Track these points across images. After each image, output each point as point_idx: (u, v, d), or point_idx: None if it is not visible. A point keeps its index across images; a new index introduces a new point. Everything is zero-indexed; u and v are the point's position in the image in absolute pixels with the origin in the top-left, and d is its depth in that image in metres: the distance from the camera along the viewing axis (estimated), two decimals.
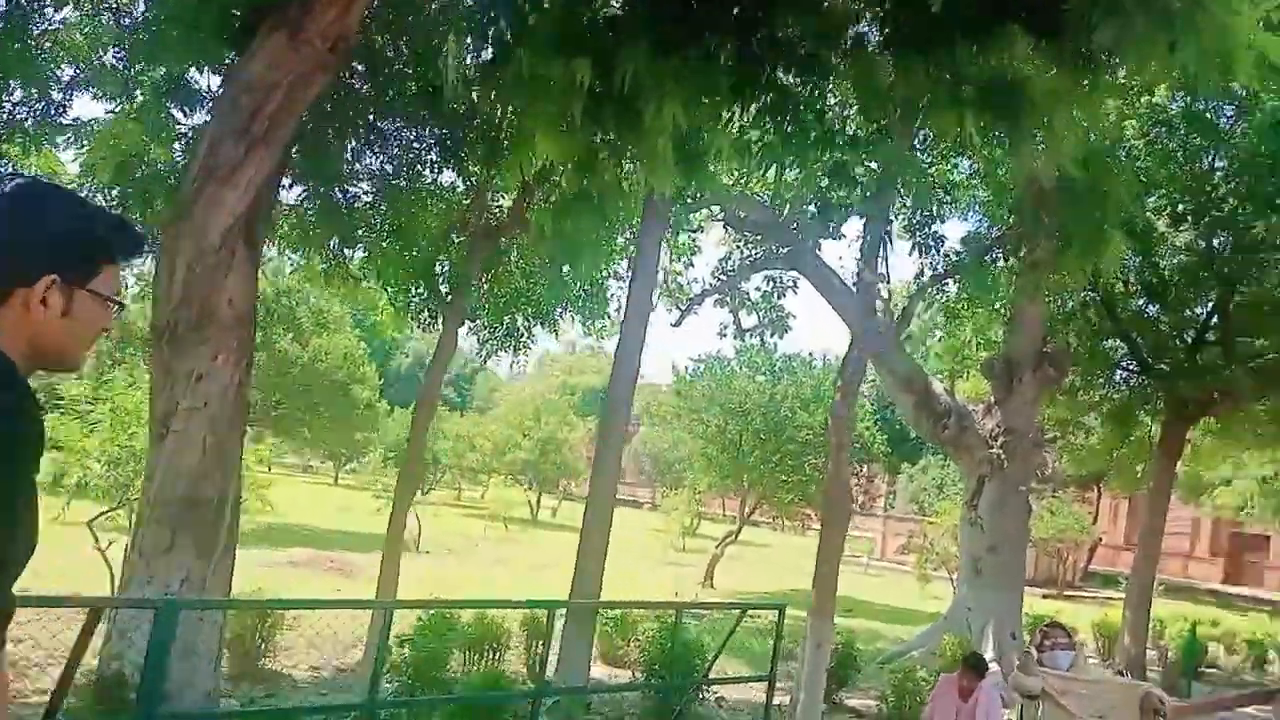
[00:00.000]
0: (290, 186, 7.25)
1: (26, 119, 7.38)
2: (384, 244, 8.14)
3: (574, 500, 31.36)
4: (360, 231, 8.03)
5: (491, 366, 65.48)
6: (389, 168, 7.72)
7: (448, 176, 8.23)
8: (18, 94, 7.28)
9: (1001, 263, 10.64)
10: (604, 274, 9.61)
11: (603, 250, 8.78)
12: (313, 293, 19.66)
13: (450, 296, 8.46)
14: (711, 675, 7.44)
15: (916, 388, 13.54)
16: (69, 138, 7.65)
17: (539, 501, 34.89)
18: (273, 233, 7.78)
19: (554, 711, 6.35)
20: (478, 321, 9.56)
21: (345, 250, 8.32)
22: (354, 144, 7.45)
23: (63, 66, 7.35)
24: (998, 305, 12.24)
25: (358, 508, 27.40)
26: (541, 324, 9.90)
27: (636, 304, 7.27)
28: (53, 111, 7.42)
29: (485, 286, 8.96)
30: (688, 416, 21.88)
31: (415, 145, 7.63)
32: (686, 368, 22.35)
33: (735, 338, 13.93)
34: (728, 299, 13.34)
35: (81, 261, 1.31)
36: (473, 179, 8.19)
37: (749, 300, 13.32)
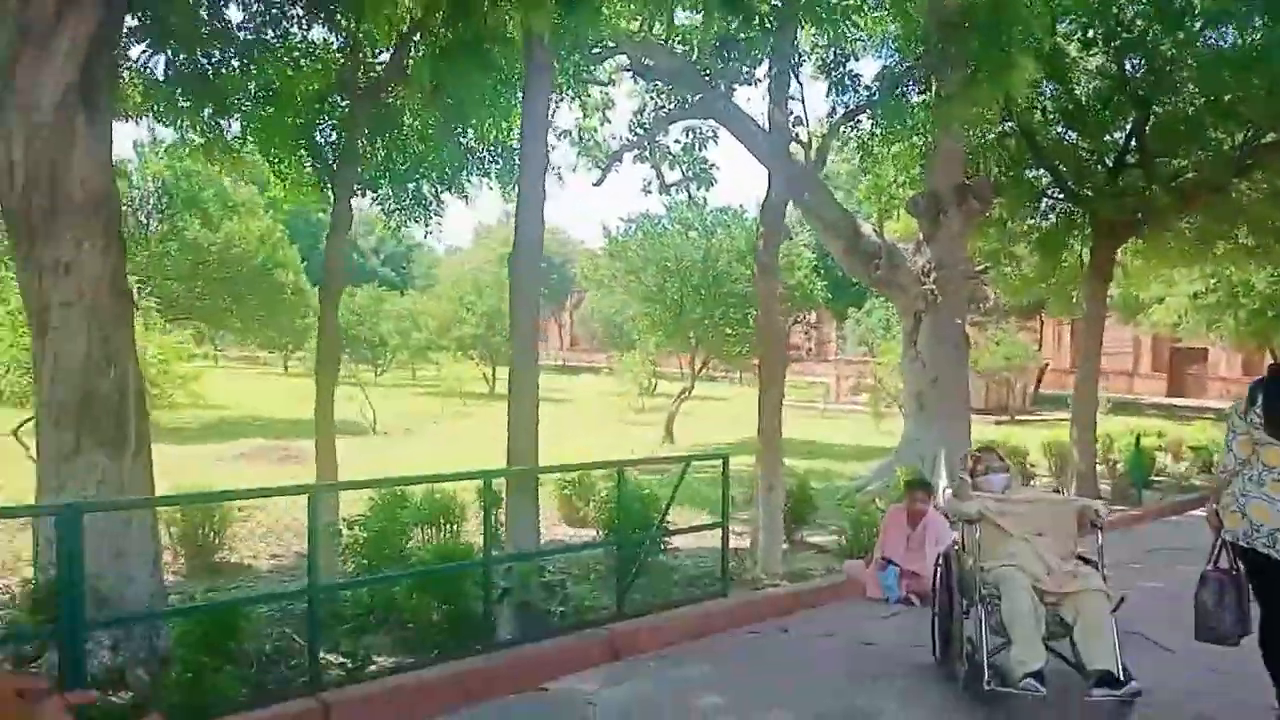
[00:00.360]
0: (130, 47, 6.69)
1: None
2: (259, 111, 7.71)
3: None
4: (232, 99, 7.59)
5: (428, 242, 64.40)
6: (251, 26, 7.22)
7: (318, 33, 7.73)
8: None
9: (915, 97, 10.40)
10: (507, 133, 9.24)
11: (501, 106, 8.44)
12: (218, 173, 18.76)
13: (336, 164, 8.08)
14: (667, 528, 7.59)
15: (844, 231, 13.51)
16: None
17: (494, 374, 34.99)
18: (133, 105, 7.33)
19: (509, 578, 6.41)
20: (381, 191, 9.22)
21: (219, 120, 7.87)
22: (209, 2, 6.93)
23: None
24: (915, 140, 12.08)
25: (311, 396, 27.16)
26: (449, 189, 9.59)
27: (530, 159, 7.00)
28: None
29: (381, 154, 8.59)
30: (625, 278, 21.74)
31: (277, 1, 7.12)
32: (618, 228, 22.03)
33: (660, 193, 13.61)
34: (647, 154, 12.99)
35: None
36: (345, 34, 7.70)
37: (669, 154, 12.99)
